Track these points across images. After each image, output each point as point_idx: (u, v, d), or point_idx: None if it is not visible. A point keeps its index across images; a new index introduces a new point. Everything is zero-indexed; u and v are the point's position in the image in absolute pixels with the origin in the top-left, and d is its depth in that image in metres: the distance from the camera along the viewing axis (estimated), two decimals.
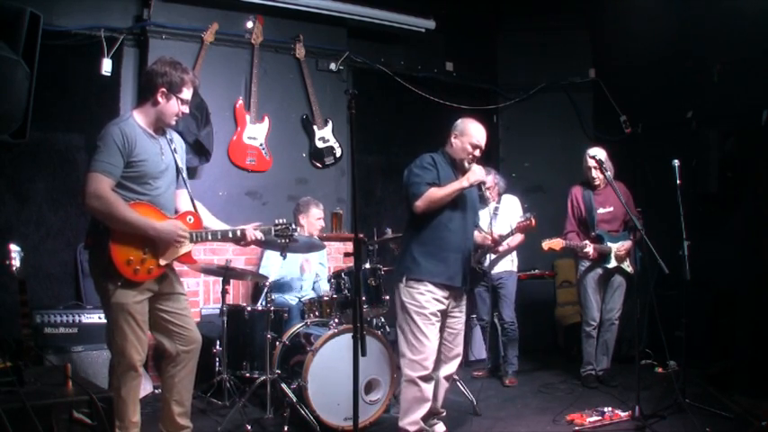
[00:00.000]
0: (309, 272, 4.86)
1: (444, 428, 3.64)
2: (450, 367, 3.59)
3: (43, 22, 3.63)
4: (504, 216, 5.03)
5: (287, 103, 5.62)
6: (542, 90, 6.81)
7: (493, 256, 4.94)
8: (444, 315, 3.49)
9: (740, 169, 5.32)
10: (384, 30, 6.04)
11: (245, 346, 4.28)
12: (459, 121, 3.60)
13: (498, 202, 5.10)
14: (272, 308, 4.12)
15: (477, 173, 3.43)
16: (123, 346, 2.85)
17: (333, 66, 5.82)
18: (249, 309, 4.32)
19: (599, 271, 4.86)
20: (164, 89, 2.92)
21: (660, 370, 5.24)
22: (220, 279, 4.26)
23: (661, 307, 4.73)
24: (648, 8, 5.86)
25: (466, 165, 3.49)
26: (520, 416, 4.18)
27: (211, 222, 3.19)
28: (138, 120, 2.95)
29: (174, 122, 3.03)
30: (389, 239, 4.75)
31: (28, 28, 3.50)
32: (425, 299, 3.37)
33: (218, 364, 4.29)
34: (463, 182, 3.39)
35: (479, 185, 3.53)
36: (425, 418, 3.47)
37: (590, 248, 4.69)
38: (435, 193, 3.36)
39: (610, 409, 4.02)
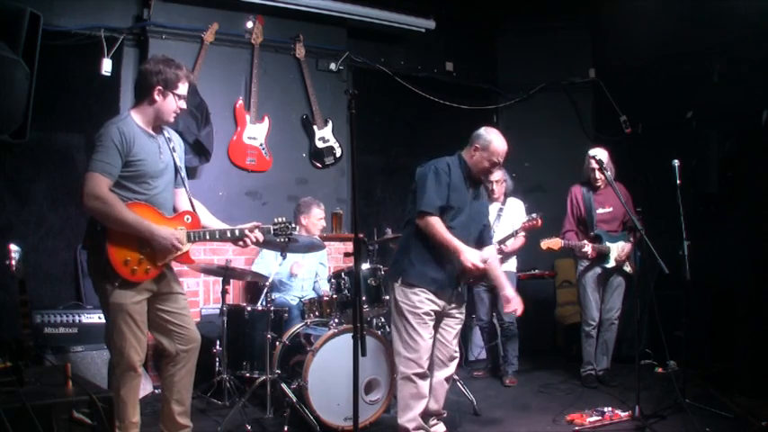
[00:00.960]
0: (300, 275, 4.85)
1: (444, 429, 3.64)
2: (449, 369, 3.57)
3: (43, 22, 3.62)
4: (507, 219, 5.04)
5: (287, 103, 5.62)
6: (542, 90, 6.81)
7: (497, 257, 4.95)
8: (440, 315, 3.48)
9: (740, 169, 5.32)
10: (384, 30, 6.04)
11: (245, 346, 4.28)
12: (483, 131, 3.53)
13: (503, 204, 5.10)
14: (272, 308, 4.12)
15: (472, 258, 3.29)
16: (122, 346, 2.85)
17: (333, 66, 5.82)
18: (249, 309, 4.32)
19: (598, 270, 4.86)
20: (160, 87, 2.92)
21: (660, 370, 5.24)
22: (220, 279, 4.26)
23: (661, 307, 4.73)
24: (648, 8, 5.86)
25: (482, 177, 3.55)
26: (520, 416, 4.18)
27: (210, 221, 3.18)
28: (135, 119, 2.94)
29: (172, 119, 3.02)
30: (389, 239, 4.75)
31: (28, 28, 3.50)
32: (419, 299, 3.38)
33: (218, 364, 4.28)
34: (457, 252, 3.30)
35: (486, 179, 3.53)
36: (425, 419, 3.46)
37: (588, 248, 4.69)
38: (436, 227, 3.32)
39: (610, 409, 4.03)
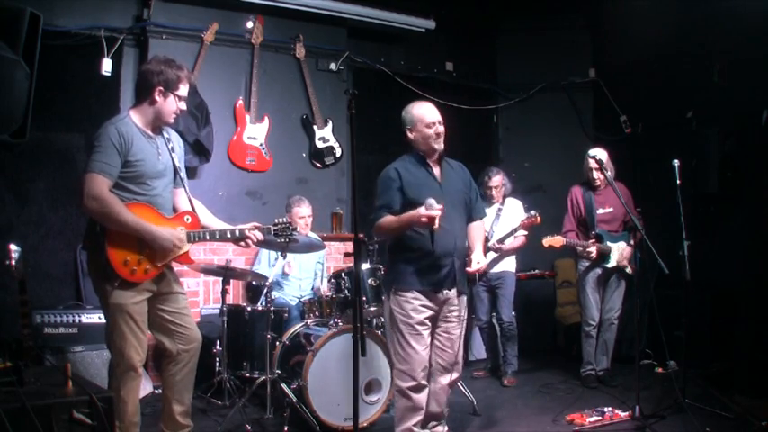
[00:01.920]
0: (292, 273, 4.86)
1: (446, 428, 3.56)
2: (452, 375, 3.38)
3: (43, 22, 3.62)
4: (506, 218, 5.05)
5: (287, 103, 5.62)
6: (542, 90, 6.81)
7: (494, 256, 4.95)
8: (437, 320, 3.30)
9: (740, 169, 5.33)
10: (384, 30, 6.04)
11: (245, 346, 4.28)
12: (402, 113, 3.38)
13: (502, 204, 5.12)
14: (272, 308, 4.12)
15: (420, 214, 3.00)
16: (122, 346, 2.85)
17: (333, 66, 5.82)
18: (249, 309, 4.32)
19: (598, 271, 4.86)
20: (161, 88, 2.91)
21: (660, 370, 5.24)
22: (220, 279, 4.26)
23: (661, 307, 4.73)
24: (648, 8, 5.86)
25: (435, 146, 3.26)
26: (520, 416, 4.18)
27: (210, 221, 3.18)
28: (135, 119, 2.94)
29: (172, 120, 3.02)
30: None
31: (28, 28, 3.50)
32: (412, 307, 3.19)
33: (218, 364, 4.28)
34: (414, 215, 3.04)
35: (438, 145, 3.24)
36: (426, 423, 3.38)
37: (594, 249, 4.69)
38: (387, 223, 3.15)
39: (610, 409, 4.02)
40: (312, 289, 4.93)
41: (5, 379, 2.39)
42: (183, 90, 2.98)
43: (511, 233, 4.83)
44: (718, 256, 5.19)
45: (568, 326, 6.12)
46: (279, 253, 4.13)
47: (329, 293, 4.25)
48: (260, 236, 3.13)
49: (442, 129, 3.28)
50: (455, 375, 3.40)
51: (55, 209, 4.80)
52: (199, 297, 5.09)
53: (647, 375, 5.00)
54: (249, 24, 5.39)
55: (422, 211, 3.01)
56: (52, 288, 4.76)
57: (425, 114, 3.30)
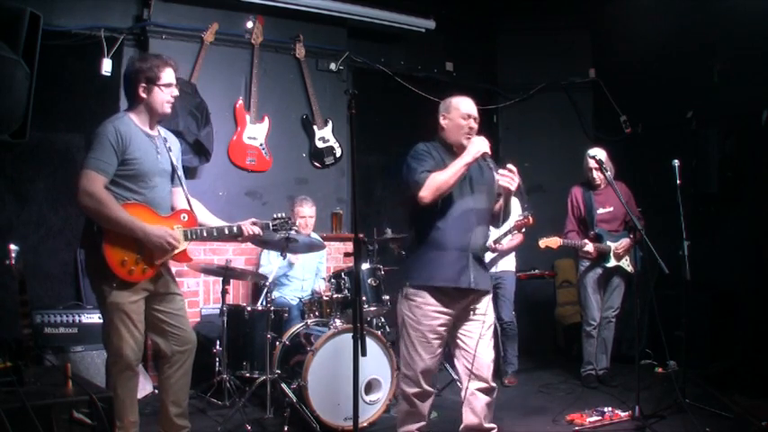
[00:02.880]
0: (297, 263, 4.84)
1: None
2: (481, 381, 3.10)
3: (43, 22, 3.61)
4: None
5: (287, 103, 5.62)
6: (542, 90, 6.81)
7: (492, 255, 4.95)
8: (457, 322, 3.10)
9: (740, 169, 5.33)
10: (384, 30, 6.05)
11: (245, 346, 4.28)
12: (442, 102, 3.29)
13: None
14: (272, 308, 4.12)
15: (477, 143, 2.98)
16: (119, 345, 2.85)
17: (333, 66, 5.82)
18: (249, 309, 4.32)
19: (599, 270, 4.86)
20: (143, 84, 2.92)
21: (660, 370, 5.24)
22: (220, 279, 4.26)
23: (661, 307, 4.73)
24: (648, 8, 5.86)
25: (464, 141, 3.06)
26: (520, 416, 4.18)
27: (208, 219, 3.17)
28: (133, 118, 2.95)
29: (168, 109, 2.99)
30: (389, 239, 4.75)
31: (28, 28, 3.49)
32: (422, 313, 3.00)
33: (218, 364, 4.28)
34: (465, 157, 2.94)
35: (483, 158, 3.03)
36: None
37: (590, 247, 4.70)
38: (439, 177, 2.92)
39: (610, 409, 4.02)
40: (312, 289, 4.93)
41: (5, 379, 2.39)
42: (167, 77, 2.95)
43: (506, 234, 4.83)
44: (718, 256, 5.19)
45: (568, 326, 6.12)
46: (279, 253, 4.13)
47: (329, 293, 4.24)
48: (257, 230, 3.13)
49: (475, 125, 3.14)
50: (487, 383, 3.10)
51: (55, 209, 4.80)
52: (199, 297, 5.09)
53: (647, 375, 5.00)
54: (249, 24, 5.40)
55: (472, 149, 2.94)
56: (52, 288, 4.77)
57: (464, 105, 3.20)
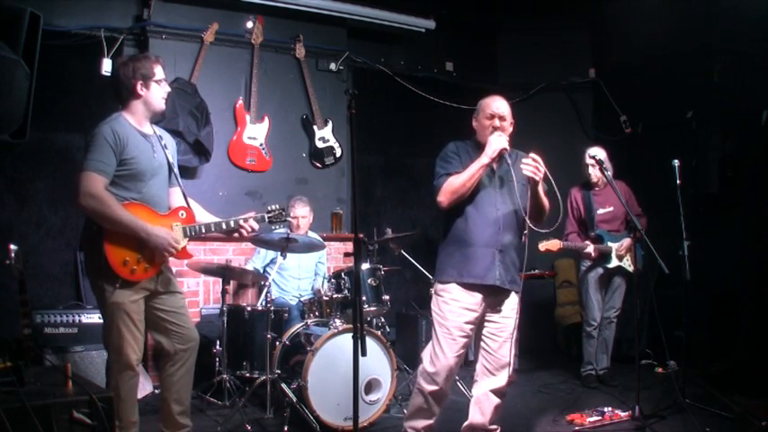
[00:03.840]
0: (294, 263, 4.84)
1: None
2: (497, 380, 3.13)
3: (43, 22, 3.62)
4: None
5: (287, 103, 5.62)
6: (542, 90, 6.81)
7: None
8: (481, 322, 3.12)
9: (740, 169, 5.33)
10: (384, 30, 6.04)
11: (245, 346, 4.28)
12: (478, 103, 3.26)
13: None
14: (272, 308, 4.12)
15: (493, 141, 2.96)
16: (120, 345, 2.85)
17: (333, 66, 5.82)
18: (249, 309, 4.32)
19: (600, 271, 4.86)
20: (140, 81, 2.94)
21: (660, 370, 5.24)
22: (220, 279, 4.26)
23: (661, 307, 4.73)
24: (648, 8, 5.86)
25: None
26: (520, 416, 4.18)
27: (205, 218, 3.17)
28: (128, 118, 2.96)
29: (164, 104, 3.04)
30: (389, 239, 4.76)
31: (28, 28, 3.49)
32: (449, 308, 3.04)
33: (218, 364, 4.29)
34: (482, 158, 2.95)
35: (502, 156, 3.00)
36: None
37: (591, 249, 4.70)
38: (454, 181, 2.97)
39: (610, 409, 4.02)
40: (312, 289, 4.93)
41: (5, 379, 2.39)
42: (160, 73, 3.01)
43: None
44: (718, 256, 5.19)
45: (568, 326, 6.12)
46: (279, 253, 4.13)
47: (329, 293, 4.24)
48: (255, 225, 3.13)
49: (499, 124, 3.09)
50: (502, 381, 3.13)
51: (55, 209, 4.80)
52: (199, 297, 5.09)
53: (647, 375, 5.00)
54: (249, 24, 5.39)
55: (487, 150, 2.94)
56: (52, 288, 4.77)
57: (488, 105, 3.17)
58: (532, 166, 2.90)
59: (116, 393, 2.81)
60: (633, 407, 3.91)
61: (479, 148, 3.09)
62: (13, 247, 2.86)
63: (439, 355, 3.06)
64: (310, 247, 4.40)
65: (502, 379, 3.13)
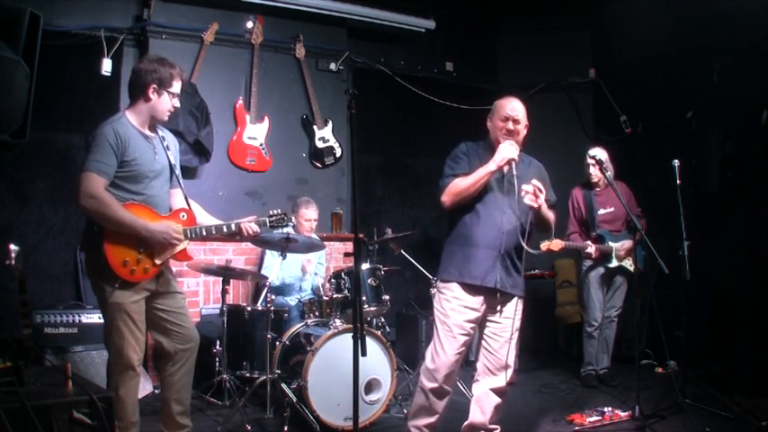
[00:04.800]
0: (311, 272, 4.86)
1: None
2: (497, 380, 3.15)
3: (43, 22, 3.61)
4: None
5: (287, 103, 5.62)
6: (542, 90, 6.80)
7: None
8: (482, 322, 3.15)
9: (740, 169, 5.33)
10: (384, 30, 6.05)
11: (245, 346, 4.28)
12: (494, 103, 3.23)
13: None
14: (272, 308, 4.12)
15: (503, 150, 2.96)
16: (120, 345, 2.85)
17: (333, 66, 5.82)
18: (249, 309, 4.32)
19: (601, 270, 4.86)
20: (155, 85, 2.91)
21: (660, 370, 5.24)
22: (220, 279, 4.26)
23: (661, 307, 4.73)
24: (648, 8, 5.87)
25: (501, 142, 3.04)
26: (520, 416, 4.18)
27: (205, 219, 3.18)
28: (130, 119, 2.95)
29: (167, 117, 3.01)
30: (389, 239, 4.76)
31: (28, 28, 3.49)
32: (450, 306, 3.06)
33: (218, 364, 4.28)
34: (490, 165, 2.95)
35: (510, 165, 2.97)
36: None
37: (592, 249, 4.70)
38: (459, 183, 2.99)
39: (610, 409, 4.02)
40: (312, 290, 4.93)
41: (5, 379, 2.39)
42: (176, 87, 2.98)
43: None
44: (718, 256, 5.19)
45: (568, 326, 6.12)
46: (279, 253, 4.13)
47: (329, 293, 4.25)
48: (256, 228, 3.13)
49: (513, 128, 3.09)
50: (503, 381, 3.15)
51: (55, 209, 4.80)
52: (199, 297, 5.09)
53: (647, 375, 5.00)
54: (249, 24, 5.39)
55: (496, 157, 2.94)
56: (52, 288, 4.77)
57: (503, 107, 3.14)
58: (531, 196, 2.92)
59: (116, 393, 2.82)
60: (633, 407, 3.92)
61: (491, 149, 3.10)
62: (13, 247, 2.85)
63: (439, 353, 3.08)
64: (310, 247, 4.40)
65: (502, 379, 3.15)
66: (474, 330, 3.15)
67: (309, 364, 3.69)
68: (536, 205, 2.94)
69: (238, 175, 5.35)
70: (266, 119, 5.42)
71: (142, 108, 2.96)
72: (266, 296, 4.16)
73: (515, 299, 3.16)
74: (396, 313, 5.62)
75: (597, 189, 4.92)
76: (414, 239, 5.76)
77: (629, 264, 4.81)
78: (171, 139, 3.16)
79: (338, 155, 5.77)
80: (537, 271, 6.37)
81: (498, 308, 3.13)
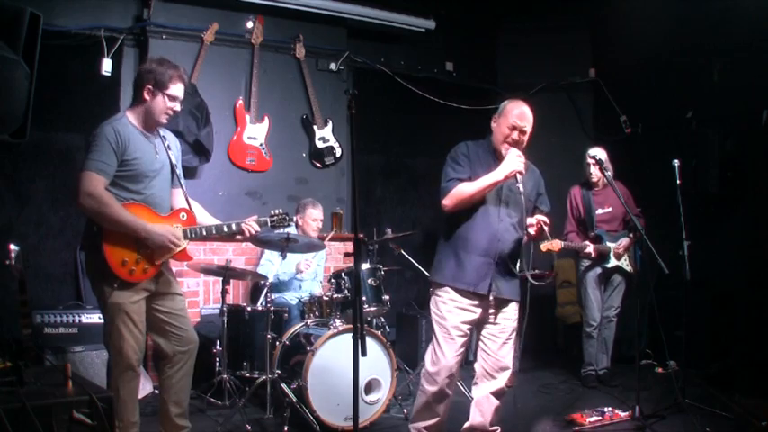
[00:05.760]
0: (308, 269, 4.83)
1: None
2: (497, 382, 3.15)
3: (43, 22, 3.62)
4: None
5: (287, 103, 5.62)
6: (542, 90, 6.79)
7: None
8: (480, 324, 3.15)
9: (740, 169, 5.33)
10: (384, 30, 6.04)
11: (245, 346, 4.28)
12: (503, 103, 3.18)
13: None
14: (272, 308, 4.12)
15: (511, 162, 2.93)
16: (120, 345, 2.85)
17: (333, 66, 5.82)
18: (249, 309, 4.32)
19: (598, 270, 4.86)
20: (150, 86, 2.90)
21: (660, 370, 5.24)
22: (220, 279, 4.26)
23: (661, 307, 4.72)
24: (648, 8, 5.86)
25: (503, 152, 3.02)
26: (520, 416, 4.17)
27: (206, 219, 3.18)
28: (131, 119, 2.94)
29: (164, 120, 2.98)
30: (389, 239, 4.75)
31: (28, 28, 3.49)
32: (447, 308, 3.06)
33: (218, 364, 4.28)
34: (497, 174, 2.93)
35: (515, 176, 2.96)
36: None
37: (590, 248, 4.70)
38: (463, 189, 2.97)
39: (610, 409, 4.02)
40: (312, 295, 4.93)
41: (5, 379, 2.39)
42: (175, 90, 2.93)
43: None
44: (718, 256, 5.19)
45: (568, 326, 6.12)
46: (279, 253, 4.13)
47: (329, 293, 4.25)
48: (256, 227, 3.13)
49: (518, 138, 3.05)
50: (501, 383, 3.15)
51: (55, 209, 4.80)
52: (199, 297, 5.09)
53: (647, 375, 5.00)
54: (249, 24, 5.39)
55: (505, 168, 2.92)
56: (52, 288, 4.76)
57: (513, 115, 3.05)
58: (535, 229, 3.00)
59: (117, 393, 2.82)
60: (633, 407, 3.92)
61: (492, 151, 3.11)
62: (13, 247, 2.85)
63: (439, 356, 3.09)
64: (310, 247, 4.40)
65: (501, 381, 3.16)
66: (471, 331, 3.16)
67: (309, 364, 3.69)
68: (533, 233, 3.01)
69: (238, 176, 5.35)
70: (266, 119, 5.42)
71: (140, 108, 2.96)
72: (266, 296, 4.16)
73: (513, 304, 3.20)
74: (396, 313, 5.62)
75: (596, 189, 4.92)
76: (414, 239, 5.76)
77: (625, 264, 4.82)
78: (172, 139, 3.16)
79: (338, 155, 5.77)
80: (537, 271, 6.35)
81: (494, 311, 3.14)
